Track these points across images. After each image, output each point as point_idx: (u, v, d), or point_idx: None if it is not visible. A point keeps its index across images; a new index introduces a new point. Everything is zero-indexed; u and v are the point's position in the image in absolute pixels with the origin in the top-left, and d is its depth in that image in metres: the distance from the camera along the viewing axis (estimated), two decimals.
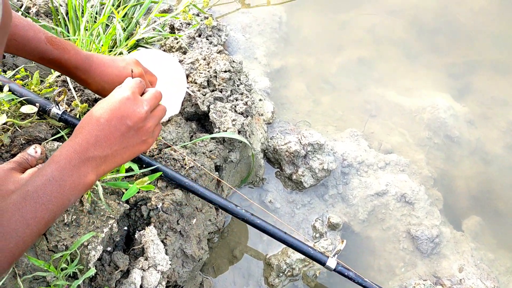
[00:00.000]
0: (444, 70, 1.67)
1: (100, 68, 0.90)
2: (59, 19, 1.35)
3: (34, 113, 0.98)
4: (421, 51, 1.71)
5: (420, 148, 1.48)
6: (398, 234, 1.32)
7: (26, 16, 1.32)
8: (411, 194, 1.34)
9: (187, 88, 1.21)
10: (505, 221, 1.42)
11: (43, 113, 1.01)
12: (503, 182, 1.48)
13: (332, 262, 0.99)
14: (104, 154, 0.73)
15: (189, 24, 1.40)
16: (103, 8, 1.47)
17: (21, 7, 1.35)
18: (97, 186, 0.94)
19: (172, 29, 1.42)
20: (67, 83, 1.15)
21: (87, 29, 1.24)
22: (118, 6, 1.46)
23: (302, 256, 1.21)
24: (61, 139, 1.03)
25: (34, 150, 0.95)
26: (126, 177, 1.03)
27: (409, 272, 1.28)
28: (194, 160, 1.10)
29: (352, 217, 1.33)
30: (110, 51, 1.30)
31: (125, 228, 1.03)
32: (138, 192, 1.01)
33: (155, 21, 1.46)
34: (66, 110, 1.04)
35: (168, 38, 1.38)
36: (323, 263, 0.99)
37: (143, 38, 1.36)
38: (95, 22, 1.40)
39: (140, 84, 0.79)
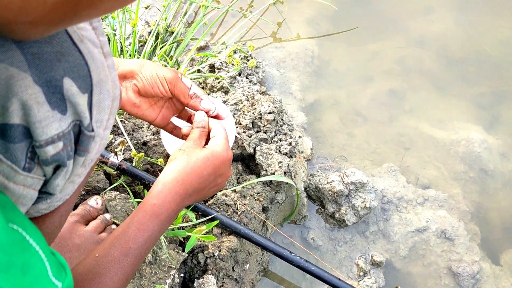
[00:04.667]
0: (473, 101, 1.70)
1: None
2: None
3: None
4: (450, 82, 1.73)
5: (456, 182, 1.49)
6: (439, 270, 1.34)
7: None
8: (451, 230, 1.36)
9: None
10: None
11: (100, 162, 1.03)
12: None
13: None
14: (192, 202, 0.77)
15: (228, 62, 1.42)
16: (141, 46, 1.50)
17: None
18: None
19: (212, 68, 1.44)
20: (119, 128, 1.18)
21: None
22: (155, 46, 1.48)
23: None
24: (118, 189, 1.05)
25: (95, 202, 0.97)
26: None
27: None
28: (244, 204, 1.12)
29: (393, 254, 1.35)
30: None
31: (182, 275, 1.04)
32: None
33: (192, 59, 1.49)
34: (124, 159, 1.05)
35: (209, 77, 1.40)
36: None
37: None
38: (129, 58, 1.42)
39: None
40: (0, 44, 0.36)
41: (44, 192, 0.46)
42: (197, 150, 0.77)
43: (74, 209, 0.97)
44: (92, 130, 0.45)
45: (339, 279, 1.01)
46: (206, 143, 0.82)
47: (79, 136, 0.44)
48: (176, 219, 0.99)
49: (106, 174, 1.09)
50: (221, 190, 1.10)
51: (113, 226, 0.97)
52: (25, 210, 0.46)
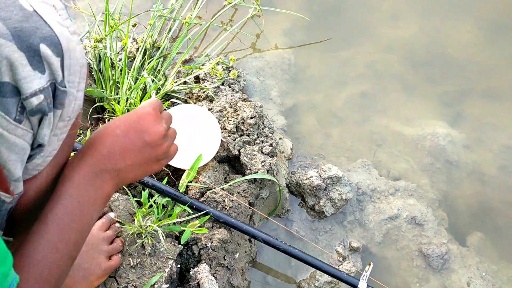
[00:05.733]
0: (438, 99, 1.85)
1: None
2: (95, 78, 1.50)
3: None
4: (417, 83, 1.88)
5: (424, 173, 1.64)
6: (411, 253, 1.48)
7: None
8: (420, 216, 1.50)
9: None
10: (504, 235, 1.59)
11: None
12: (499, 199, 1.65)
13: (362, 284, 1.14)
14: (117, 167, 0.69)
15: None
16: (130, 61, 1.62)
17: None
18: (157, 232, 1.08)
19: (197, 79, 1.57)
20: None
21: (128, 89, 1.39)
22: (144, 61, 1.61)
23: (329, 279, 1.36)
24: (119, 191, 1.17)
25: None
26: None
27: (423, 287, 1.43)
28: (232, 200, 1.25)
29: (369, 240, 1.48)
30: None
31: (178, 266, 1.17)
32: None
33: (179, 71, 1.62)
34: None
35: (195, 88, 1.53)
36: (355, 286, 1.14)
37: (171, 90, 1.51)
38: (120, 73, 1.54)
39: (160, 104, 0.78)
40: None
41: (36, 147, 0.59)
42: None
43: None
44: (65, 87, 0.58)
45: (320, 261, 1.15)
46: None
47: (55, 92, 0.58)
48: (172, 213, 1.12)
49: None
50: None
51: (117, 224, 1.09)
52: (22, 165, 0.58)
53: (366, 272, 1.15)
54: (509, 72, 1.94)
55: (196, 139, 1.31)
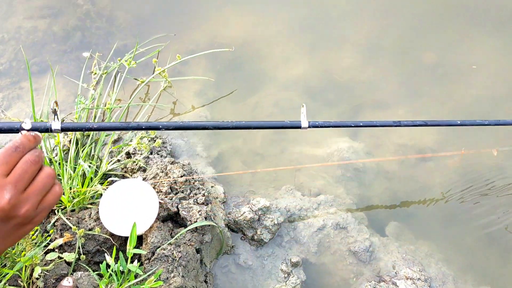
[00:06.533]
0: (337, 119, 2.18)
1: None
2: None
3: (56, 258, 1.30)
4: (317, 109, 2.21)
5: (338, 184, 1.94)
6: (343, 253, 1.74)
7: None
8: (342, 221, 1.78)
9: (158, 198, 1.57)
10: (415, 219, 1.90)
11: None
12: (404, 189, 1.97)
13: (305, 123, 1.26)
14: None
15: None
16: (66, 153, 1.81)
17: None
18: None
19: (128, 154, 1.79)
20: (67, 224, 1.48)
21: (69, 179, 1.58)
22: (78, 150, 1.81)
23: None
24: (81, 270, 1.35)
25: (67, 281, 1.26)
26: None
27: (359, 279, 1.69)
28: (180, 251, 1.46)
29: (307, 252, 1.74)
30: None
31: None
32: None
33: (111, 151, 1.83)
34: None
35: (128, 163, 1.75)
36: (299, 127, 1.25)
37: (108, 170, 1.71)
38: (59, 166, 1.73)
39: (7, 157, 0.66)
40: None
41: None
42: None
43: None
44: None
45: (262, 121, 1.36)
46: None
47: None
48: (130, 278, 1.31)
49: (67, 262, 1.39)
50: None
51: None
52: None
53: (302, 113, 1.25)
54: (388, 83, 2.33)
55: (137, 208, 1.52)
